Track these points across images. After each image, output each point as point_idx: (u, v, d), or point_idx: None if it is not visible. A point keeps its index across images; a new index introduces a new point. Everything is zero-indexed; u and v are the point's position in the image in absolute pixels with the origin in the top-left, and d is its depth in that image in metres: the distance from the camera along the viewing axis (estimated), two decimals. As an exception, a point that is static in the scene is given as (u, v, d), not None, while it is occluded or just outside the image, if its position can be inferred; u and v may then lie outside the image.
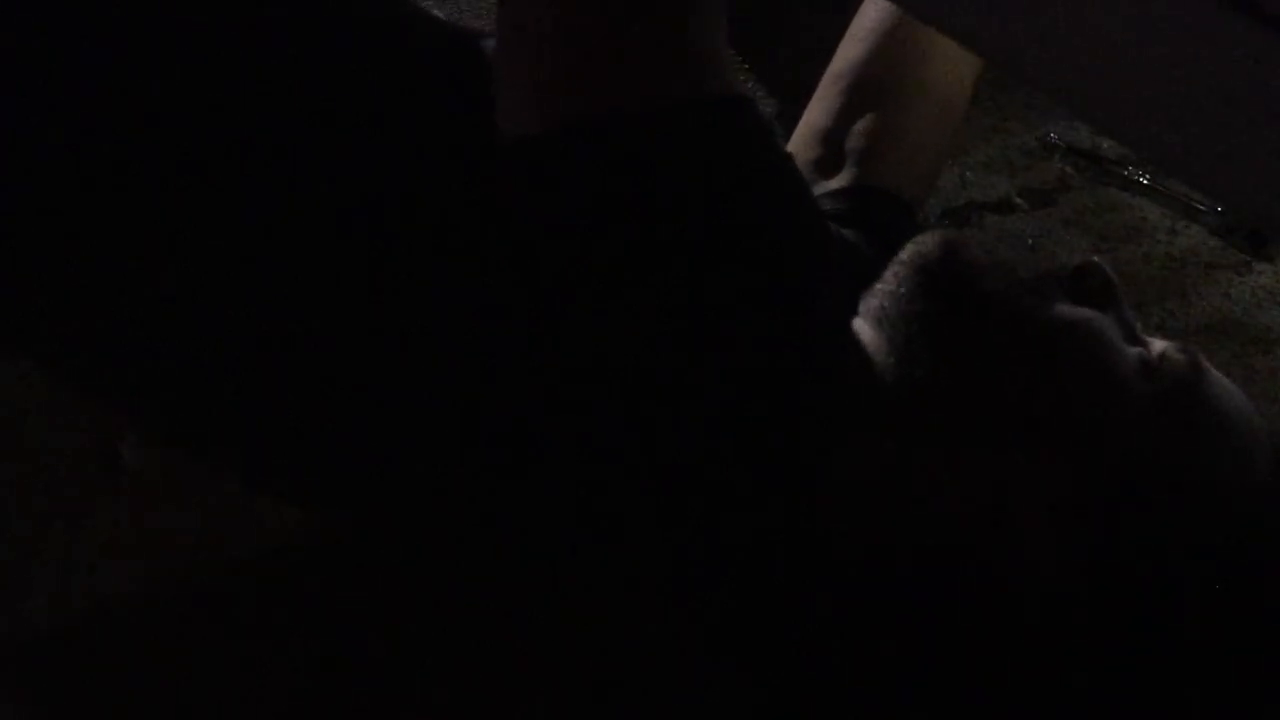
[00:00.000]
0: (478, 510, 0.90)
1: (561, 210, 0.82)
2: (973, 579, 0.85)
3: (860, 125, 1.22)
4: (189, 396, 0.96)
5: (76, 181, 0.92)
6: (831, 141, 1.23)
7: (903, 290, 0.91)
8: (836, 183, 1.21)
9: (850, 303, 0.94)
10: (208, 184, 0.91)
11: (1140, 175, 1.66)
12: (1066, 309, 0.91)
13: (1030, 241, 1.61)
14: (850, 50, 1.27)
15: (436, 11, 1.84)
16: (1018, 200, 1.67)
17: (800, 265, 0.86)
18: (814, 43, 1.83)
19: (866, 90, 1.24)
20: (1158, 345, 0.91)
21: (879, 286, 0.93)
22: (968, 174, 1.71)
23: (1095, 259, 0.94)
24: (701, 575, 0.87)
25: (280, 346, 0.91)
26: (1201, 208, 1.64)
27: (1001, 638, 0.85)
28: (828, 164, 1.22)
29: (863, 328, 0.92)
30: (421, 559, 0.97)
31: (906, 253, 0.94)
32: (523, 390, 0.84)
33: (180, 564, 1.15)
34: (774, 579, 0.87)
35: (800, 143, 1.25)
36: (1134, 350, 0.90)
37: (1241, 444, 0.89)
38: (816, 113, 1.26)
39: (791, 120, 1.69)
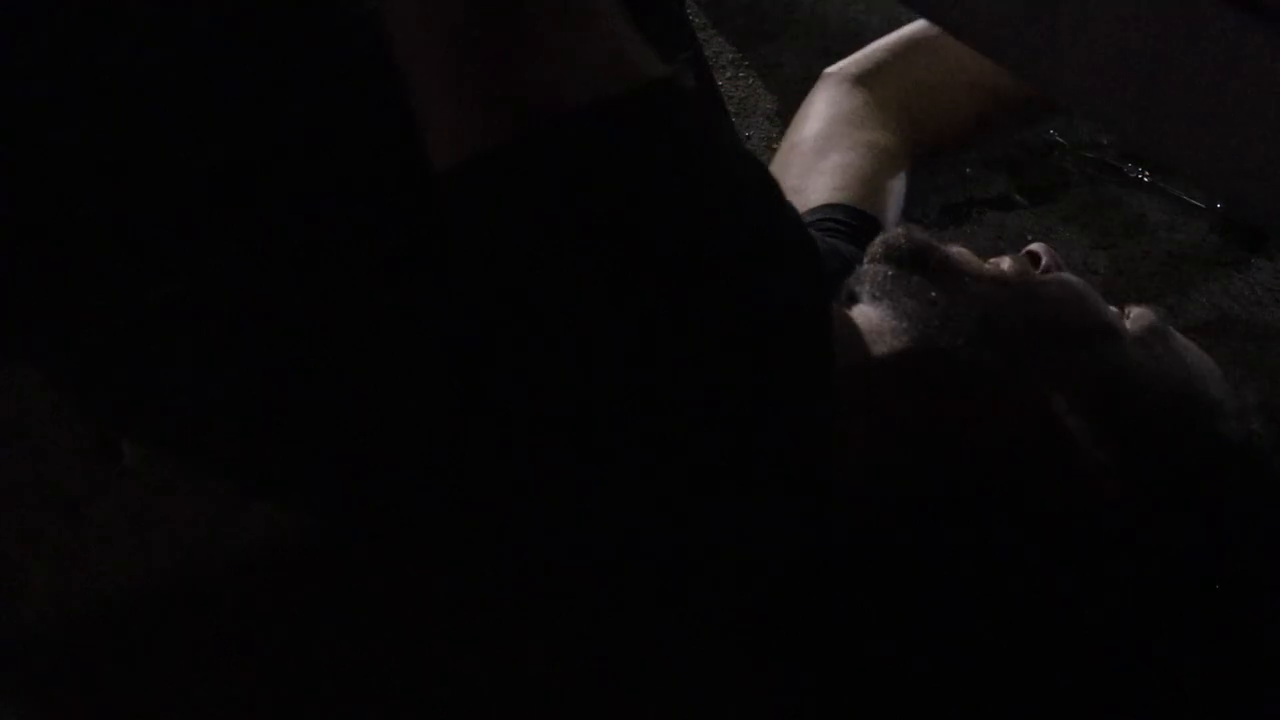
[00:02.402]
0: (472, 516, 0.90)
1: (517, 229, 0.80)
2: (1033, 502, 0.90)
3: (821, 173, 1.41)
4: (177, 408, 0.96)
5: (58, 198, 0.91)
6: (793, 194, 1.37)
7: (890, 271, 0.98)
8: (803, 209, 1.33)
9: (833, 279, 0.98)
10: (189, 205, 0.90)
11: (1140, 173, 1.66)
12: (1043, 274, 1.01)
13: (1030, 238, 1.61)
14: (803, 127, 1.50)
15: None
16: (1018, 197, 1.67)
17: (774, 241, 0.86)
18: (814, 38, 1.84)
19: (822, 148, 1.44)
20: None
21: (863, 271, 1.01)
22: (968, 170, 1.71)
23: (1039, 244, 1.04)
24: (711, 569, 0.88)
25: (259, 359, 0.91)
26: (1201, 205, 1.64)
27: (1054, 560, 0.90)
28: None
29: (857, 307, 0.98)
30: (422, 560, 0.98)
31: (877, 247, 1.02)
32: (513, 395, 0.84)
33: (180, 561, 1.15)
34: (793, 562, 0.88)
35: None
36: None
37: (1209, 374, 0.99)
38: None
39: (785, 122, 1.69)
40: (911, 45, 1.53)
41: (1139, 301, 1.31)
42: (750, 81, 1.75)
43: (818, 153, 1.43)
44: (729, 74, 1.78)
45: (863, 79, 1.51)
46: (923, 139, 1.51)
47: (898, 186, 1.44)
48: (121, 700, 1.07)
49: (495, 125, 0.78)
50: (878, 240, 1.02)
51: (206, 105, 0.90)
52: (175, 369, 0.93)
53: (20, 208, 0.92)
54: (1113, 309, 1.00)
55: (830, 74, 1.54)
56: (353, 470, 0.93)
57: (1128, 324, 0.99)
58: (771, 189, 0.86)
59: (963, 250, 1.02)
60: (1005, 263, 1.02)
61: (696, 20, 1.84)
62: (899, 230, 1.03)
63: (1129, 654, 0.89)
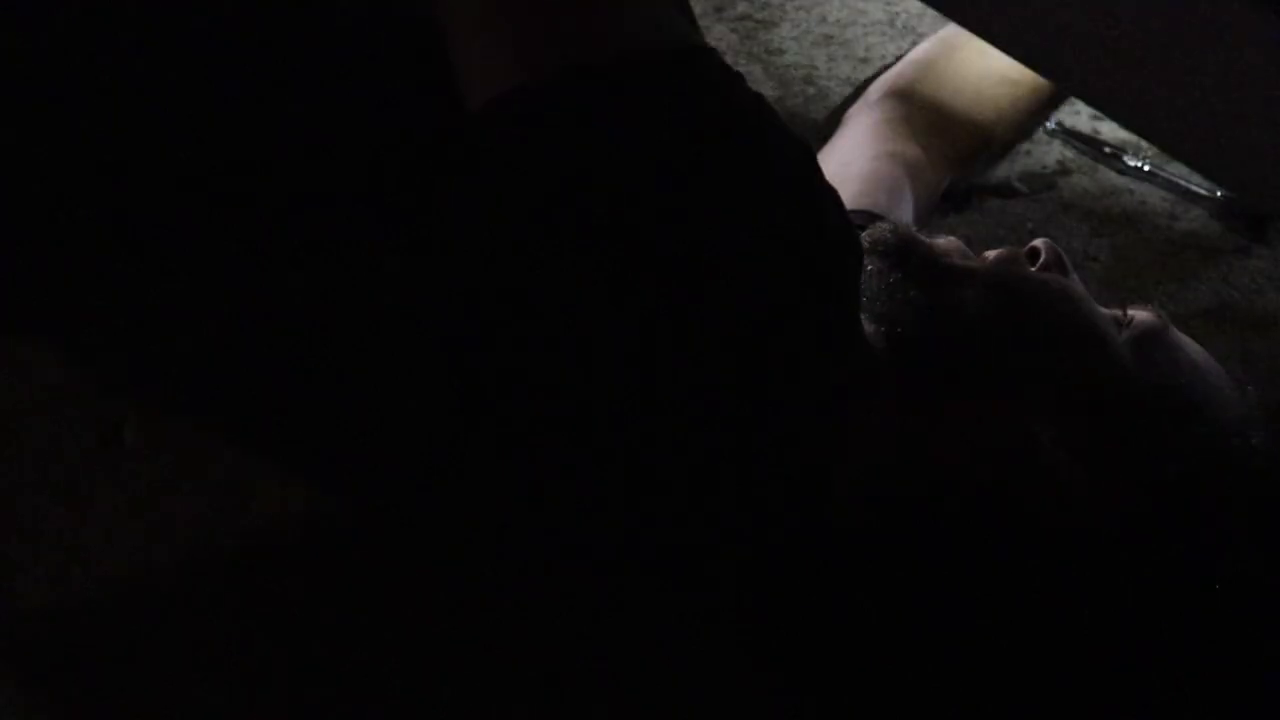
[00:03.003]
0: (472, 515, 0.91)
1: (548, 163, 0.81)
2: (1011, 514, 0.90)
3: (845, 181, 1.36)
4: (176, 410, 0.96)
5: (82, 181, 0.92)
6: None
7: (871, 268, 0.96)
8: None
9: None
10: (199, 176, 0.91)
11: (1141, 160, 1.66)
12: (1036, 272, 0.99)
13: (1030, 226, 1.61)
14: (830, 146, 1.53)
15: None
16: (1017, 184, 1.67)
17: (809, 228, 0.86)
18: (815, 25, 1.83)
19: (846, 161, 1.46)
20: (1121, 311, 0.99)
21: None
22: (968, 157, 1.70)
23: (1043, 239, 1.02)
24: (711, 568, 0.88)
25: (258, 359, 0.91)
26: (1201, 192, 1.64)
27: (1046, 564, 0.90)
28: None
29: None
30: (423, 554, 0.98)
31: (862, 241, 0.98)
32: (513, 394, 0.84)
33: (180, 551, 1.15)
34: (792, 562, 0.88)
35: None
36: (1102, 309, 0.98)
37: (1213, 380, 0.98)
38: None
39: (785, 110, 1.69)
40: (934, 58, 1.55)
41: (1139, 290, 1.31)
42: (751, 69, 1.74)
43: (843, 164, 1.43)
44: (729, 61, 1.77)
45: (891, 96, 1.52)
46: (959, 147, 1.52)
47: (920, 194, 1.44)
48: (122, 697, 1.08)
49: (535, 64, 0.80)
50: (864, 234, 1.00)
51: (206, 105, 0.91)
52: (173, 371, 0.93)
53: (20, 207, 0.92)
54: (1113, 311, 0.99)
55: (862, 97, 1.56)
56: (352, 470, 0.93)
57: (1129, 327, 0.97)
58: (815, 171, 0.87)
59: (952, 241, 1.01)
60: (993, 256, 1.01)
61: (698, 7, 1.84)
62: (884, 224, 1.02)
63: (1124, 656, 0.90)
